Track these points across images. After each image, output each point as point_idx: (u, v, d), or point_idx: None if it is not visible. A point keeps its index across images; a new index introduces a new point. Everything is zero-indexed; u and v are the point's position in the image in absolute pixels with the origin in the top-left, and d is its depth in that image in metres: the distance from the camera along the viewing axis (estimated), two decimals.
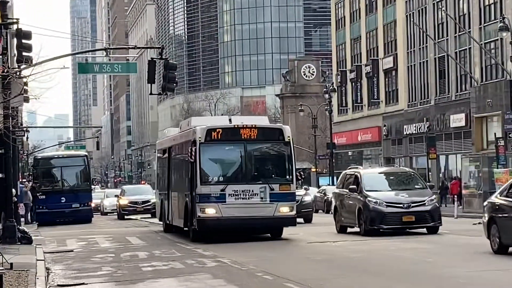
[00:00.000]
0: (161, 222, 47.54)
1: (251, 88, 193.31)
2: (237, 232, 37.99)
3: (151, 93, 55.09)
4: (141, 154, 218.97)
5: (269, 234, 38.85)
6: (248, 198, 33.81)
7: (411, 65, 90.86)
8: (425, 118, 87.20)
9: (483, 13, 77.94)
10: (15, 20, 40.71)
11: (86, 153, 79.73)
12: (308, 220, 52.96)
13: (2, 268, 20.38)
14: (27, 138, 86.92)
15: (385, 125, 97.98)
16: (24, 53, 38.85)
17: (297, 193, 42.92)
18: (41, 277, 22.38)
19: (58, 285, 22.06)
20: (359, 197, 40.39)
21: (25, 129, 67.10)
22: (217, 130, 35.05)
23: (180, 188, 40.48)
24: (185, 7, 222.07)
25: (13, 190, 40.33)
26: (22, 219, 47.95)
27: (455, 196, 65.83)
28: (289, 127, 37.50)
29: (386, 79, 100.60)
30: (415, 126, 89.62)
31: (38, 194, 60.53)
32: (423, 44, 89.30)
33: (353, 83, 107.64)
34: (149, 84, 46.24)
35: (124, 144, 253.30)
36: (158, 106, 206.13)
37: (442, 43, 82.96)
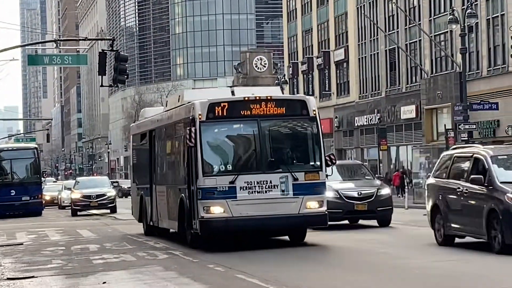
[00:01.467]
0: (141, 223, 36.29)
1: (202, 80, 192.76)
2: (250, 235, 29.21)
3: (101, 85, 54.29)
4: (92, 147, 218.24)
5: (287, 237, 28.88)
6: (266, 192, 24.81)
7: (362, 57, 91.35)
8: (376, 110, 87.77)
9: (433, 5, 78.51)
10: None
11: (36, 146, 79.41)
12: (385, 222, 36.06)
13: None
14: None
15: (336, 117, 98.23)
16: None
17: (369, 183, 35.92)
18: None
19: (8, 278, 21.97)
20: (489, 193, 24.63)
21: None
22: (222, 104, 25.90)
23: (171, 181, 30.68)
24: (136, 0, 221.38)
25: None
26: None
27: (396, 187, 66.88)
28: (313, 99, 28.21)
29: (338, 71, 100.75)
30: (366, 118, 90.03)
31: None
32: (374, 36, 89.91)
33: (305, 75, 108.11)
34: (100, 76, 43.71)
35: (75, 136, 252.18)
36: (109, 98, 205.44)
37: (392, 35, 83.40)
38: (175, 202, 28.67)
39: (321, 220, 25.31)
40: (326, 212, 25.96)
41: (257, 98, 25.38)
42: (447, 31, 72.20)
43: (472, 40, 68.32)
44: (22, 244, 34.20)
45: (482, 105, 59.94)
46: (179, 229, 27.80)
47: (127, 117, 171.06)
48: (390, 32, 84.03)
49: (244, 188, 24.00)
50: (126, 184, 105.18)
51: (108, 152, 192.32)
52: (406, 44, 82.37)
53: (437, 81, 75.28)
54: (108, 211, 62.26)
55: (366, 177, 38.54)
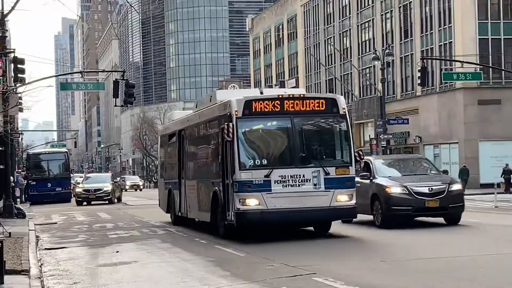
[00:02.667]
0: (168, 214, 30.65)
1: (190, 102, 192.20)
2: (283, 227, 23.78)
3: (115, 105, 55.29)
4: (108, 151, 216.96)
5: (311, 228, 23.55)
6: (299, 185, 20.54)
7: (308, 85, 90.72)
8: None
9: (361, 47, 78.52)
10: (12, 50, 40.35)
11: (66, 150, 78.72)
12: (455, 220, 27.11)
13: (2, 236, 20.20)
14: (21, 139, 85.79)
15: None
16: (19, 75, 38.57)
17: (438, 178, 27.04)
18: (32, 243, 22.23)
19: (45, 249, 21.84)
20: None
21: (20, 132, 66.56)
22: (258, 101, 21.36)
23: (203, 175, 25.14)
24: (141, 42, 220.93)
25: (11, 178, 40.13)
26: (18, 200, 47.17)
27: None
28: (343, 98, 23.51)
29: None
30: None
31: (30, 181, 60.03)
32: (317, 70, 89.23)
33: None
34: (114, 98, 43.70)
35: (95, 143, 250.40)
36: (121, 115, 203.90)
37: (331, 69, 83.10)
38: (207, 195, 23.48)
39: (350, 212, 21.11)
40: (355, 205, 21.44)
41: (291, 95, 21.23)
42: (371, 66, 72.29)
43: (389, 72, 68.42)
44: (56, 223, 33.97)
45: (396, 121, 60.25)
46: (211, 220, 22.66)
47: (134, 129, 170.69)
48: (329, 67, 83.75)
49: (278, 182, 19.78)
50: (129, 180, 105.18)
51: (120, 155, 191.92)
52: (341, 75, 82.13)
53: (364, 103, 75.08)
54: (107, 202, 56.80)
55: (431, 171, 29.04)
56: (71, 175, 77.40)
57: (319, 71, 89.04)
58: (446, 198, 25.52)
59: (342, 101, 21.64)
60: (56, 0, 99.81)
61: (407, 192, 25.05)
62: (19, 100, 39.73)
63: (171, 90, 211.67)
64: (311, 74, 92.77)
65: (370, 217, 26.04)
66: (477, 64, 54.09)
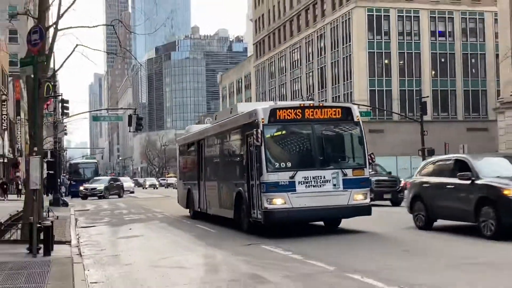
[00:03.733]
0: (187, 209, 25.54)
1: (180, 129, 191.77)
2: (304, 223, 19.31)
3: (130, 131, 54.95)
4: (124, 162, 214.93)
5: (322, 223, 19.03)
6: (320, 186, 16.97)
7: None
8: None
9: (293, 95, 77.96)
10: (60, 94, 40.19)
11: (96, 161, 77.98)
12: None
13: (53, 218, 19.96)
14: (66, 153, 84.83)
15: None
16: (64, 110, 38.39)
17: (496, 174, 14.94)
18: (73, 223, 22.02)
19: (81, 227, 21.62)
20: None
21: (64, 149, 66.19)
22: (282, 110, 17.66)
23: (225, 177, 20.35)
24: (147, 89, 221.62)
25: (58, 180, 39.75)
26: (64, 194, 46.55)
27: None
28: (356, 107, 20.37)
29: None
30: None
31: (71, 181, 59.21)
32: None
33: None
34: (129, 127, 43.33)
35: (116, 156, 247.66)
36: (133, 137, 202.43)
37: None
38: (229, 194, 19.16)
39: (366, 210, 17.17)
40: (370, 204, 17.48)
41: (311, 105, 17.50)
42: None
43: None
44: (88, 210, 33.53)
45: None
46: (234, 216, 18.64)
47: (141, 147, 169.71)
48: None
49: (302, 183, 16.10)
50: (149, 181, 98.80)
51: (132, 164, 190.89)
52: None
53: None
54: (99, 197, 50.21)
55: None
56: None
57: None
58: None
59: (356, 110, 17.80)
60: (90, 61, 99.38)
61: None
62: (64, 128, 39.71)
63: (167, 121, 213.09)
64: None
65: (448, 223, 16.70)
66: (367, 106, 54.93)
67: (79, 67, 71.40)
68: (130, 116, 40.02)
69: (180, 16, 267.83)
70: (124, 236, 18.25)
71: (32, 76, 14.10)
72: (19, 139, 63.35)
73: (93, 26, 17.37)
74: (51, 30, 17.20)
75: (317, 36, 71.34)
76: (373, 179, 24.89)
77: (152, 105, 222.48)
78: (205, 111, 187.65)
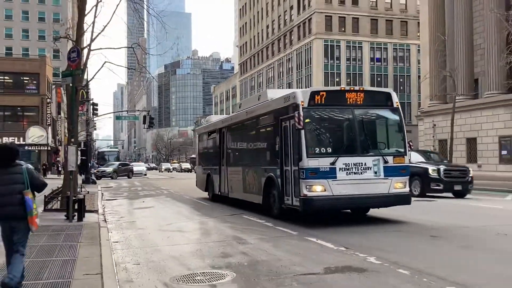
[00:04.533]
0: (206, 192, 21.13)
1: (183, 127, 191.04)
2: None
3: (144, 127, 54.08)
4: (139, 151, 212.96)
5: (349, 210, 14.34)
6: (361, 173, 11.94)
7: None
8: None
9: None
10: (91, 99, 39.60)
11: (118, 150, 77.16)
12: None
13: (84, 193, 19.71)
14: (95, 143, 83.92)
15: None
16: (94, 111, 37.88)
17: None
18: (99, 197, 21.78)
19: (106, 200, 21.37)
20: None
21: (94, 140, 65.35)
22: (322, 93, 12.36)
23: (252, 163, 15.60)
24: (157, 96, 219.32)
25: (89, 164, 39.29)
26: (93, 175, 46.06)
27: None
28: (395, 93, 13.71)
29: None
30: None
31: (99, 165, 58.51)
32: None
33: None
34: (143, 124, 42.78)
35: (133, 147, 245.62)
36: (146, 132, 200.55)
37: None
38: (257, 180, 14.63)
39: (406, 199, 12.71)
40: (410, 192, 13.01)
41: (351, 89, 12.98)
42: None
43: None
44: (112, 187, 33.17)
45: None
46: (263, 202, 14.26)
47: (152, 140, 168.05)
48: None
49: (343, 169, 11.92)
50: (164, 165, 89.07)
51: (145, 153, 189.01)
52: None
53: None
54: (109, 178, 46.45)
55: None
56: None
57: None
58: None
59: (395, 96, 13.08)
60: (114, 73, 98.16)
61: None
62: (94, 124, 39.15)
63: (172, 120, 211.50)
64: None
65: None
66: None
67: (106, 78, 70.71)
68: (144, 116, 39.67)
69: (184, 42, 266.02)
70: (139, 207, 18.03)
71: (71, 85, 14.10)
72: (59, 132, 62.49)
73: (118, 48, 17.35)
74: (86, 50, 17.39)
75: (287, 59, 71.43)
76: (441, 168, 19.24)
77: (161, 108, 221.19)
78: (201, 114, 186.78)
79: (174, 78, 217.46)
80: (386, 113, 12.63)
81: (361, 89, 12.30)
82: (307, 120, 11.55)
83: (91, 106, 38.31)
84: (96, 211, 14.71)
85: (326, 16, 63.20)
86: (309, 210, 11.49)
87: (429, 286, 6.15)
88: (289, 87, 69.44)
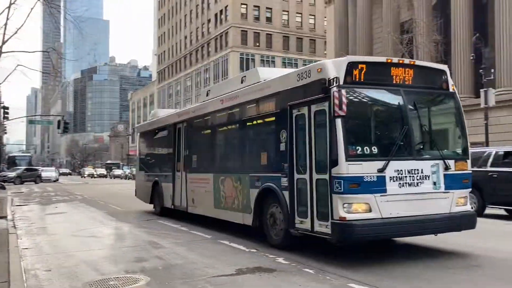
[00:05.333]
0: (151, 204, 15.57)
1: (99, 133, 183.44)
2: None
3: (58, 132, 51.07)
4: (53, 157, 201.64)
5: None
6: (417, 184, 6.21)
7: None
8: None
9: None
10: (1, 102, 37.00)
11: (30, 155, 72.95)
12: None
13: None
14: (5, 148, 78.36)
15: None
16: (5, 115, 35.43)
17: None
18: (9, 202, 20.34)
19: (16, 205, 20.02)
20: None
21: (5, 144, 61.03)
22: (361, 65, 6.33)
23: (231, 168, 9.87)
24: (73, 102, 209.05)
25: None
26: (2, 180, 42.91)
27: None
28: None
29: None
30: None
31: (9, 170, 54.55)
32: None
33: None
34: (58, 128, 39.95)
35: (46, 152, 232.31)
36: (61, 137, 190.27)
37: None
38: (241, 192, 9.62)
39: (472, 221, 7.36)
40: (475, 211, 7.98)
41: (400, 61, 7.28)
42: None
43: None
44: (23, 192, 31.08)
45: None
46: (254, 222, 9.13)
47: (67, 145, 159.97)
48: None
49: (394, 179, 6.52)
50: (87, 170, 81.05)
51: (59, 158, 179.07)
52: None
53: None
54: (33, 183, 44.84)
55: None
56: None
57: None
58: None
59: (449, 76, 8.21)
60: (28, 78, 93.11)
61: None
62: (4, 128, 36.66)
63: (87, 126, 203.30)
64: None
65: None
66: None
67: (19, 81, 66.37)
68: (59, 121, 37.84)
69: (101, 48, 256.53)
70: (51, 212, 17.07)
71: None
72: None
73: (32, 52, 16.39)
74: None
75: (204, 70, 71.55)
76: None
77: (76, 113, 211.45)
78: (118, 120, 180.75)
79: (90, 84, 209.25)
80: (441, 100, 8.08)
81: (412, 63, 7.72)
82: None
83: (1, 110, 35.80)
84: (5, 217, 13.74)
85: (242, 30, 64.31)
86: (348, 239, 6.94)
87: None
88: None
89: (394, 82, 7.44)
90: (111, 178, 71.46)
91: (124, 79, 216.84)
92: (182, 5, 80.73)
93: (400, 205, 6.99)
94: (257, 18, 65.16)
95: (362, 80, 7.13)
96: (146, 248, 9.19)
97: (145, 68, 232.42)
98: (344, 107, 6.79)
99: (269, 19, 65.81)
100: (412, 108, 7.45)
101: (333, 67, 7.18)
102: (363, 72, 7.16)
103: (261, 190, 8.83)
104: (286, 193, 8.07)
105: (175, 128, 13.59)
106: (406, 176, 7.05)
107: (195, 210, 12.17)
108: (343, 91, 6.84)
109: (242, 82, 10.50)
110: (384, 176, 6.88)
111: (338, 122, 6.85)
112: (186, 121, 12.98)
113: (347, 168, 6.75)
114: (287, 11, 67.31)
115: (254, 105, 9.41)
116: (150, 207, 13.73)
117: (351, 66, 7.11)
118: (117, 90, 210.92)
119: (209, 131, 11.70)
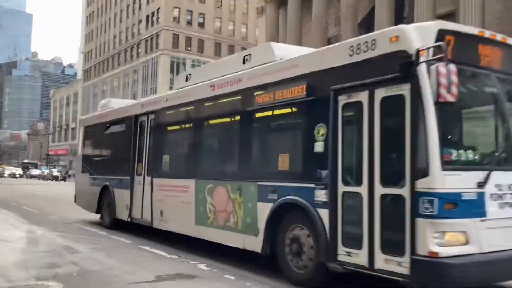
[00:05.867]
0: (97, 214, 12.10)
1: (17, 130, 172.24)
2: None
3: None
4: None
5: None
6: None
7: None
8: None
9: None
10: None
11: None
12: None
13: None
14: None
15: None
16: None
17: None
18: None
19: None
20: None
21: None
22: (449, 37, 3.50)
23: (224, 174, 7.03)
24: None
25: None
26: None
27: None
28: None
29: None
30: None
31: None
32: None
33: None
34: None
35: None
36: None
37: None
38: (243, 206, 6.66)
39: None
40: None
41: (492, 37, 4.45)
42: None
43: None
44: None
45: None
46: (263, 248, 6.16)
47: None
48: None
49: (495, 197, 3.82)
50: (8, 170, 71.49)
51: None
52: None
53: None
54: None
55: None
56: None
57: None
58: None
59: None
60: None
61: None
62: None
63: (4, 123, 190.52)
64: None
65: None
66: None
67: None
68: None
69: (22, 42, 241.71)
70: None
71: None
72: None
73: None
74: None
75: (132, 71, 69.91)
76: None
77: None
78: (38, 118, 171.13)
79: (9, 79, 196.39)
80: None
81: (504, 40, 5.31)
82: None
83: None
84: None
85: (173, 34, 63.65)
86: (439, 285, 4.51)
87: None
88: (134, 98, 67.68)
89: (488, 65, 5.03)
90: (27, 178, 67.27)
91: (47, 76, 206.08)
92: (113, 4, 78.52)
93: (500, 234, 4.74)
94: (189, 23, 64.80)
95: (453, 57, 4.64)
96: (61, 253, 8.66)
97: (70, 65, 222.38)
98: (454, 89, 4.36)
99: (201, 25, 65.66)
100: (509, 99, 5.21)
101: (419, 35, 4.68)
102: (456, 47, 4.74)
103: (279, 205, 6.24)
104: (323, 212, 5.59)
105: (136, 122, 10.60)
106: (506, 194, 4.78)
107: (164, 226, 9.24)
108: (453, 67, 4.37)
109: (244, 62, 7.82)
110: (483, 193, 4.61)
111: (432, 113, 4.44)
112: (154, 112, 9.94)
113: (442, 181, 4.39)
114: (220, 18, 67.55)
115: (268, 91, 6.73)
116: (91, 216, 11.72)
117: (442, 36, 4.68)
118: (38, 87, 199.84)
119: (190, 125, 8.91)
